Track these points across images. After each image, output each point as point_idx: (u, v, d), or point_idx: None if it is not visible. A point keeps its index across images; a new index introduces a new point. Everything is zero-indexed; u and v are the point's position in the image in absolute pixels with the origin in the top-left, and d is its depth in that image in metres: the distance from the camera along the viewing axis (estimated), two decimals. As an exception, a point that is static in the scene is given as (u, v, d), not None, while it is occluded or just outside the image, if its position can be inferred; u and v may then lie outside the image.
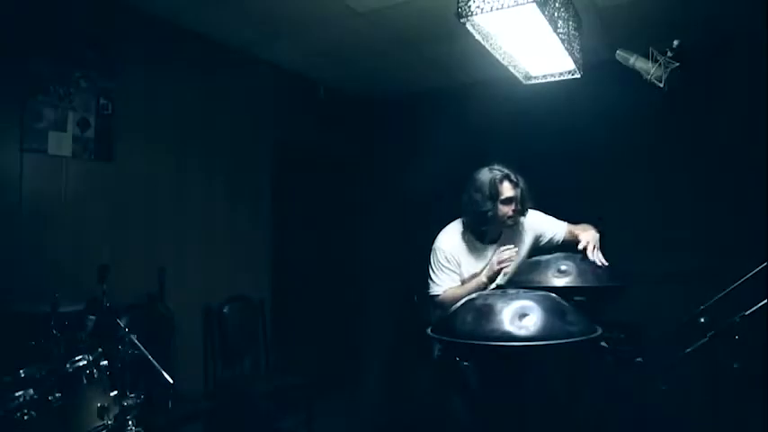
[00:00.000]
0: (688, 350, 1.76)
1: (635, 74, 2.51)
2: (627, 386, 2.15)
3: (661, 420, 2.27)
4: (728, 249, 3.31)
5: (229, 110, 3.83)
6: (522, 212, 2.41)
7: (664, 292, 3.44)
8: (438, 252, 2.43)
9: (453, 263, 2.40)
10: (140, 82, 3.22)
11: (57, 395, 1.70)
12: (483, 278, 2.28)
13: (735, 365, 1.67)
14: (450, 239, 2.45)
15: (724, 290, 1.96)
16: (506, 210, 2.35)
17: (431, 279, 2.44)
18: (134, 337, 2.12)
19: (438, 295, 2.40)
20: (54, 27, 2.81)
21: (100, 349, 1.94)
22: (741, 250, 2.59)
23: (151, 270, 3.16)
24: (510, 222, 2.39)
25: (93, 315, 2.13)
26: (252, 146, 4.01)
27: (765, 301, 1.61)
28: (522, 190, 2.37)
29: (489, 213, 2.34)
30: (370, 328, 5.03)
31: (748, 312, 1.63)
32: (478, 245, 2.45)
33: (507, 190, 2.34)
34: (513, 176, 2.36)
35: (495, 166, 2.39)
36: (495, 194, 2.33)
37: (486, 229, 2.43)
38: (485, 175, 2.38)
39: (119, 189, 3.08)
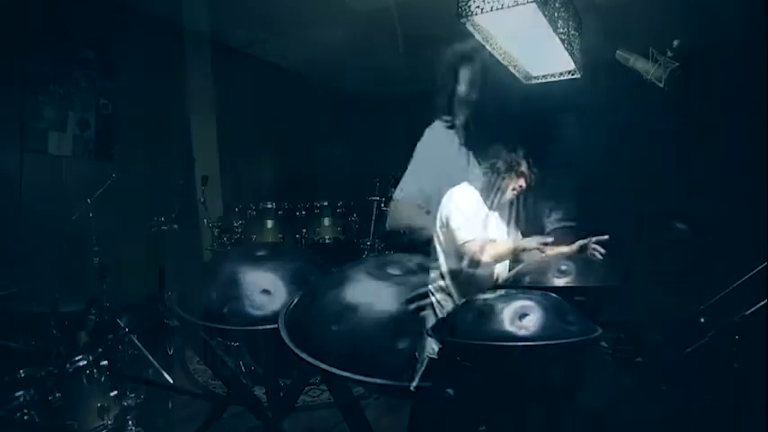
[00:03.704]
0: (688, 350, 1.76)
1: (635, 74, 2.51)
2: (627, 386, 2.14)
3: (661, 420, 2.27)
4: (728, 249, 3.31)
5: (229, 110, 3.82)
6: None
7: (664, 292, 3.44)
8: (466, 198, 2.30)
9: (482, 214, 2.31)
10: (140, 82, 3.22)
11: (57, 395, 1.70)
12: (529, 244, 2.10)
13: (735, 365, 1.67)
14: (470, 194, 2.36)
15: (724, 290, 1.96)
16: (514, 182, 2.32)
17: (457, 227, 2.18)
18: (134, 337, 2.12)
19: (470, 240, 2.13)
20: (54, 27, 2.81)
21: (100, 349, 1.93)
22: (741, 250, 2.59)
23: (151, 270, 3.16)
24: (510, 195, 2.35)
25: (93, 315, 2.13)
26: (252, 145, 4.01)
27: (765, 301, 1.61)
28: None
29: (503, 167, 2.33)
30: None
31: (748, 312, 1.63)
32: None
33: (525, 167, 2.34)
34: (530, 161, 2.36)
35: None
36: (514, 165, 2.32)
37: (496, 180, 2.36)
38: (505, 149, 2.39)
39: (119, 189, 3.08)
